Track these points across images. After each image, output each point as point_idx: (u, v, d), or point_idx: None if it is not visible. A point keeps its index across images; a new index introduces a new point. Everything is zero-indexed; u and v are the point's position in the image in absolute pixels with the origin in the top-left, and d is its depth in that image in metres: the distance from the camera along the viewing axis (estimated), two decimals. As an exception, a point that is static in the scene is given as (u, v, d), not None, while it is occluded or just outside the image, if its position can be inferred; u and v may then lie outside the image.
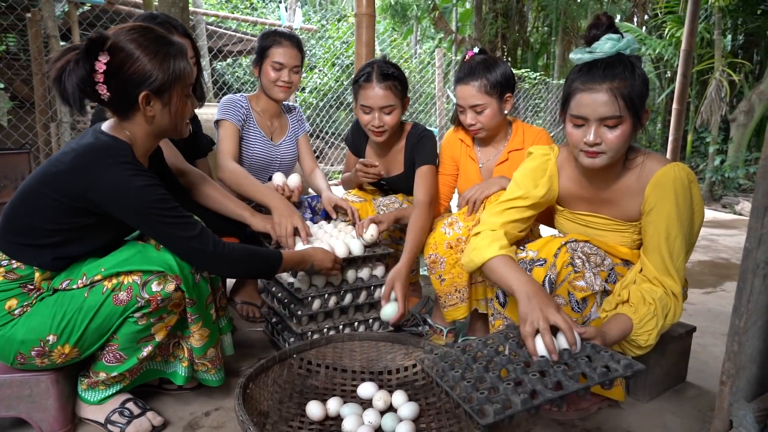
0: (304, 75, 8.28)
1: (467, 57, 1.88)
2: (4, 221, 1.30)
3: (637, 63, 1.31)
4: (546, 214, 1.67)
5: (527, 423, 1.45)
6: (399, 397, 1.46)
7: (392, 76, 1.94)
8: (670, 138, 5.89)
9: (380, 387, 1.53)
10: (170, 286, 1.31)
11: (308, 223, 1.91)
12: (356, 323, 1.79)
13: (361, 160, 2.10)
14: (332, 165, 7.56)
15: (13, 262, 1.28)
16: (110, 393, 1.40)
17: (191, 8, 5.25)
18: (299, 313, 1.69)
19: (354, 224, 1.96)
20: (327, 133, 7.44)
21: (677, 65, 5.84)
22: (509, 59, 10.16)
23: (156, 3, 2.72)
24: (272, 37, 2.14)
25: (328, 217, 2.07)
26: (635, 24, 10.15)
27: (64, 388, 1.37)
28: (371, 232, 1.83)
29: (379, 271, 1.84)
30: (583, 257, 1.42)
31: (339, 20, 12.03)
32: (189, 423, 1.44)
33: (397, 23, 13.21)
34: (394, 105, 1.95)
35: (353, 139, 2.28)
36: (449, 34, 10.09)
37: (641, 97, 1.30)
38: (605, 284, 1.42)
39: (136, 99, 1.26)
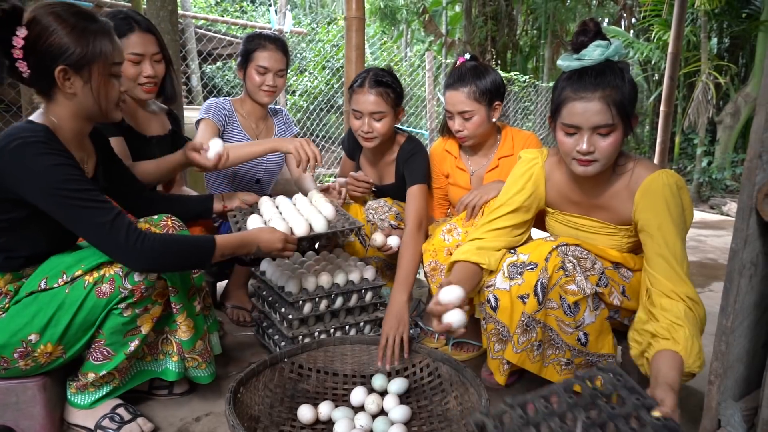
0: (294, 78, 8.30)
1: (458, 63, 1.88)
2: None
3: (626, 69, 1.32)
4: (537, 217, 1.68)
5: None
6: (390, 401, 1.46)
7: (385, 83, 1.93)
8: (658, 140, 5.95)
9: (371, 391, 1.53)
10: (153, 275, 1.29)
11: (281, 197, 1.85)
12: (347, 327, 1.79)
13: (352, 174, 2.11)
14: (322, 168, 7.54)
15: None
16: (100, 395, 1.38)
17: (180, 11, 5.23)
18: (290, 316, 1.68)
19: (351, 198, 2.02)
20: (317, 136, 7.42)
21: (664, 68, 5.91)
22: (499, 62, 10.22)
23: (144, 6, 2.70)
24: (257, 41, 2.12)
25: None
26: (623, 27, 10.24)
27: (51, 395, 1.36)
28: (378, 239, 1.84)
29: (369, 273, 1.84)
30: (574, 261, 1.42)
31: (329, 23, 12.02)
32: (179, 429, 1.43)
33: (387, 26, 13.23)
34: (384, 112, 1.94)
35: (348, 143, 2.28)
36: (439, 37, 10.14)
37: (632, 104, 1.31)
38: (596, 288, 1.42)
39: (53, 74, 1.21)
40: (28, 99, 4.40)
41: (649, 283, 1.30)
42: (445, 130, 1.99)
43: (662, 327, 1.21)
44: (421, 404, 1.51)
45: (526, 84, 8.78)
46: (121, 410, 1.39)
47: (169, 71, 1.87)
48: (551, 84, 8.10)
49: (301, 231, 1.59)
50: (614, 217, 1.46)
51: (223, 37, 6.94)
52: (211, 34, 6.77)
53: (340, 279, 1.78)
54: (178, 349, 1.45)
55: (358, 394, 1.50)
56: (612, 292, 1.45)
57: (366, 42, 4.22)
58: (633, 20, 9.94)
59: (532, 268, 1.41)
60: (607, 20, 10.93)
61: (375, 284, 1.81)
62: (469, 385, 1.42)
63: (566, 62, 1.35)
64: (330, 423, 1.40)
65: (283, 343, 1.72)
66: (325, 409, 1.42)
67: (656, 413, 0.98)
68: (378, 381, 1.56)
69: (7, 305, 1.28)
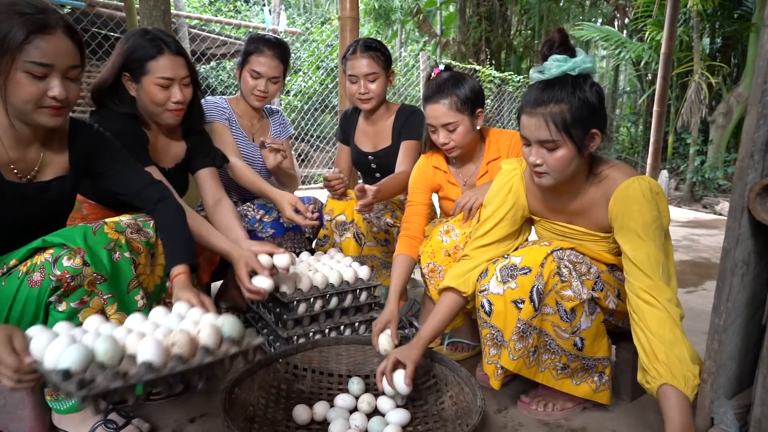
0: (289, 78, 8.29)
1: (433, 75, 1.82)
2: None
3: (585, 84, 1.27)
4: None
5: (513, 423, 1.46)
6: (386, 401, 1.46)
7: (375, 47, 2.14)
8: (651, 140, 5.99)
9: (366, 390, 1.53)
10: (77, 260, 1.21)
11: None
12: (342, 327, 1.78)
13: (325, 176, 2.13)
14: (317, 168, 7.53)
15: None
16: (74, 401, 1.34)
17: (173, 11, 5.21)
18: (285, 317, 1.68)
19: (340, 195, 2.09)
20: (312, 136, 7.42)
21: (657, 68, 5.94)
22: (493, 62, 10.24)
23: (137, 6, 2.69)
24: (256, 44, 2.09)
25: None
26: (616, 27, 10.29)
27: (41, 399, 1.34)
28: (385, 343, 1.60)
29: (364, 273, 1.84)
30: (570, 266, 1.40)
31: (323, 23, 12.02)
32: (173, 430, 1.42)
33: (381, 26, 13.23)
34: (377, 73, 2.13)
35: (342, 128, 2.42)
36: (433, 37, 10.14)
37: (581, 121, 1.26)
38: (592, 293, 1.42)
39: None
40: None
41: (627, 288, 1.32)
42: (428, 146, 1.93)
43: (651, 356, 1.23)
44: (416, 404, 1.51)
45: (520, 84, 8.81)
46: (113, 415, 1.36)
47: (196, 94, 1.76)
48: (545, 84, 8.11)
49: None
50: (594, 225, 1.44)
51: (216, 37, 6.92)
52: (204, 34, 6.74)
53: (334, 279, 1.78)
54: None
55: (353, 388, 1.52)
56: (608, 295, 1.44)
57: (360, 42, 4.21)
58: (626, 20, 9.98)
59: (526, 273, 1.38)
60: (600, 20, 10.97)
61: (370, 284, 1.81)
62: (465, 384, 1.42)
63: (533, 74, 1.35)
64: (325, 423, 1.40)
65: (278, 344, 1.71)
66: (320, 409, 1.42)
67: None
68: (385, 404, 1.48)
69: None
